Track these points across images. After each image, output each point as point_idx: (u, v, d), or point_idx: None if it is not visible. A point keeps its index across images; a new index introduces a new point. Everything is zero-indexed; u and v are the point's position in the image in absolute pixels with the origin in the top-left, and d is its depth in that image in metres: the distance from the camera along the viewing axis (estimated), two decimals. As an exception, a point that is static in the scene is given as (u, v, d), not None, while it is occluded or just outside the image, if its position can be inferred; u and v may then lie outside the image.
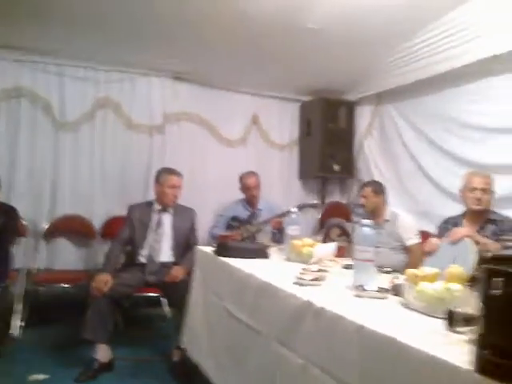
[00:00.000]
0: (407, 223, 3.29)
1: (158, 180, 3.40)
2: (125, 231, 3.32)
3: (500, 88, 3.23)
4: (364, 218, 3.27)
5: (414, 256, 3.15)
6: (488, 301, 0.92)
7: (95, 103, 4.13)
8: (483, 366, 0.93)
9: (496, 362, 0.91)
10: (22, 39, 3.65)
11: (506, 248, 0.97)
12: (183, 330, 2.79)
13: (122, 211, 3.75)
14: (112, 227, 3.90)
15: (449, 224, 2.75)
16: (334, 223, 4.79)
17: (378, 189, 3.42)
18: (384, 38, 3.64)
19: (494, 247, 2.26)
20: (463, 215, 2.73)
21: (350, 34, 3.51)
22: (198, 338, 2.61)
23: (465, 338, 1.17)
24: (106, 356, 2.90)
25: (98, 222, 4.09)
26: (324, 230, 4.73)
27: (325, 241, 4.19)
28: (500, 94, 3.23)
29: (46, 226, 3.90)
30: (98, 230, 4.06)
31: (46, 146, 3.99)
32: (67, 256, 4.03)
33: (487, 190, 2.60)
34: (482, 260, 0.91)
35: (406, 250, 3.25)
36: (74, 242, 4.07)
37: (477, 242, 2.30)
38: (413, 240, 3.22)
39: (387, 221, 3.33)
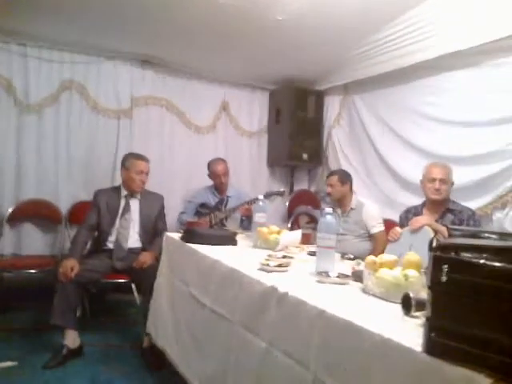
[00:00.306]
0: (372, 212, 3.39)
1: (124, 165, 3.38)
2: (91, 217, 3.29)
3: (461, 82, 3.35)
4: (330, 206, 3.40)
5: (378, 243, 3.25)
6: (434, 286, 0.99)
7: (60, 85, 4.03)
8: (431, 347, 1.00)
9: (442, 343, 0.98)
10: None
11: (452, 236, 1.04)
12: (149, 316, 2.82)
13: (88, 196, 3.72)
14: (78, 212, 3.86)
15: (410, 213, 2.86)
16: (302, 211, 4.89)
17: (344, 178, 3.48)
18: (352, 31, 3.69)
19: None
20: (423, 205, 2.84)
21: (320, 26, 3.54)
22: (163, 324, 2.64)
23: (419, 322, 1.24)
24: (74, 342, 2.90)
25: (64, 207, 4.03)
26: (292, 218, 4.83)
27: (293, 228, 4.29)
28: (461, 88, 3.35)
29: (10, 210, 3.83)
30: (64, 215, 4.00)
31: (9, 127, 3.87)
32: (33, 241, 3.96)
33: (446, 181, 2.70)
34: (430, 248, 0.97)
35: (371, 237, 3.36)
36: (39, 227, 4.00)
37: (435, 231, 2.41)
38: (377, 228, 3.32)
39: (353, 209, 3.42)
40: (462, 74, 3.34)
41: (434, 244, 1.00)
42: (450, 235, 1.04)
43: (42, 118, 3.99)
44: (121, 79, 4.28)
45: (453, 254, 0.98)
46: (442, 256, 0.99)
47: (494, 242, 1.02)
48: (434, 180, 2.71)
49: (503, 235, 1.06)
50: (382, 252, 2.93)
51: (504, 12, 2.82)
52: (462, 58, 3.24)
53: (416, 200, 3.08)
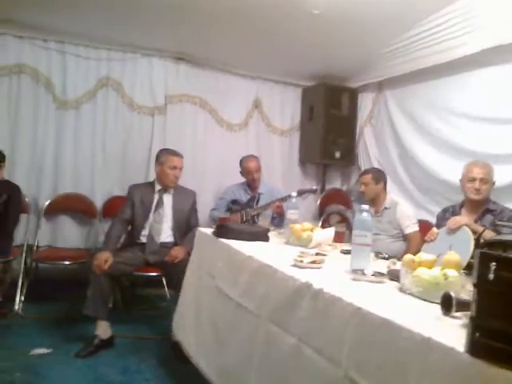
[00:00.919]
0: (406, 211, 3.33)
1: (158, 160, 3.42)
2: (125, 211, 3.34)
3: (497, 78, 3.26)
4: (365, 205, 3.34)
5: (412, 244, 3.18)
6: (480, 285, 0.95)
7: (97, 82, 4.12)
8: (474, 347, 0.96)
9: (487, 344, 0.94)
10: (24, 15, 3.62)
11: (500, 234, 1.00)
12: (176, 310, 2.84)
13: (123, 191, 3.79)
14: (113, 207, 3.93)
15: (447, 212, 2.78)
16: (333, 210, 4.84)
17: (378, 176, 3.42)
18: (386, 27, 3.64)
19: (489, 236, 2.31)
20: (462, 204, 2.76)
21: (353, 21, 3.50)
22: (185, 318, 2.67)
23: (459, 322, 1.20)
24: (106, 332, 2.95)
25: (99, 201, 4.11)
26: (324, 216, 4.79)
27: (324, 227, 4.24)
28: (497, 84, 3.26)
29: (47, 203, 3.92)
30: (99, 209, 4.09)
31: (47, 123, 3.98)
32: (68, 234, 4.06)
33: (486, 180, 2.62)
34: (477, 245, 0.93)
35: (405, 237, 3.29)
36: (75, 220, 4.10)
37: (474, 231, 2.33)
38: (411, 228, 3.26)
39: (387, 208, 3.36)
40: (498, 69, 3.25)
41: (481, 241, 0.96)
42: (498, 232, 1.00)
43: (79, 114, 4.08)
44: (155, 76, 4.33)
45: (501, 251, 0.94)
46: (489, 253, 0.95)
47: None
48: (474, 180, 2.63)
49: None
50: (416, 252, 2.89)
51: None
52: (498, 54, 3.14)
53: (449, 199, 3.00)
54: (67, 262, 3.60)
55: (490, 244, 0.96)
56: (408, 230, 3.27)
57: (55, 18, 3.67)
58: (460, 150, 3.51)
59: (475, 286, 0.97)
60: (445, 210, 2.85)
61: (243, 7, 3.37)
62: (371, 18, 3.45)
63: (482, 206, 2.64)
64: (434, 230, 2.64)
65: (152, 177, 3.64)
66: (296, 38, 3.87)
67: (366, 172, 3.54)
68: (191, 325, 2.55)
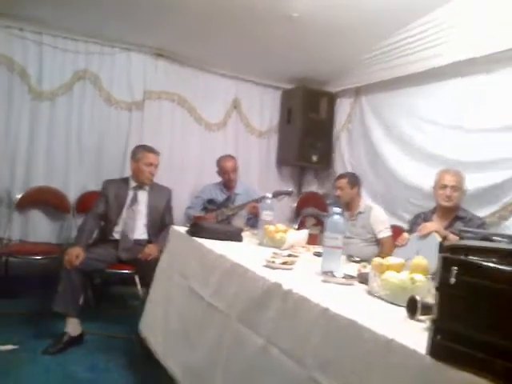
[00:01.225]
0: (380, 216, 3.36)
1: (134, 157, 3.39)
2: (99, 206, 3.30)
3: (470, 88, 3.34)
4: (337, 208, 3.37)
5: (384, 248, 3.22)
6: (442, 288, 0.98)
7: (74, 75, 4.05)
8: (436, 349, 0.99)
9: (448, 347, 0.97)
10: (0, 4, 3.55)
11: (463, 238, 1.02)
12: (144, 308, 2.82)
13: (97, 186, 3.74)
14: (87, 202, 3.87)
15: (419, 218, 2.84)
16: (309, 212, 4.86)
17: (354, 181, 3.46)
18: (366, 33, 3.69)
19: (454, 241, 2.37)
20: (433, 211, 2.82)
21: (333, 26, 3.55)
22: (153, 316, 2.66)
23: (424, 325, 1.23)
24: (76, 330, 2.91)
25: (72, 196, 4.05)
26: (300, 219, 4.81)
27: (300, 229, 4.27)
28: (469, 95, 3.34)
29: (19, 196, 3.84)
30: (72, 204, 4.02)
31: (21, 114, 3.88)
32: (40, 228, 3.98)
33: (457, 188, 2.69)
34: (440, 249, 0.96)
35: (378, 242, 3.34)
36: (47, 215, 4.01)
37: (443, 237, 2.39)
38: (384, 233, 3.30)
39: (361, 213, 3.39)
40: (470, 80, 3.33)
41: (444, 245, 0.99)
42: (461, 238, 1.03)
43: (54, 106, 4.00)
44: (134, 71, 4.29)
45: (462, 255, 0.96)
46: (451, 257, 0.98)
47: (504, 245, 1.00)
48: (445, 187, 2.70)
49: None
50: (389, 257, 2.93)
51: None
52: (473, 65, 3.22)
53: (419, 205, 3.06)
54: (38, 257, 3.54)
55: (453, 249, 0.98)
56: (381, 235, 3.31)
57: (33, 8, 3.59)
58: (432, 158, 3.57)
59: (437, 289, 0.99)
60: (417, 216, 2.91)
61: (224, 8, 3.38)
62: (350, 23, 3.50)
63: (452, 213, 2.71)
64: (405, 235, 2.69)
65: (127, 173, 3.61)
66: (276, 40, 3.89)
67: (341, 176, 3.56)
68: (160, 323, 2.54)
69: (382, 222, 3.34)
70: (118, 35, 4.05)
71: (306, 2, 3.25)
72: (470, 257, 0.96)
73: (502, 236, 1.06)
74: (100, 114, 4.18)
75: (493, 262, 0.93)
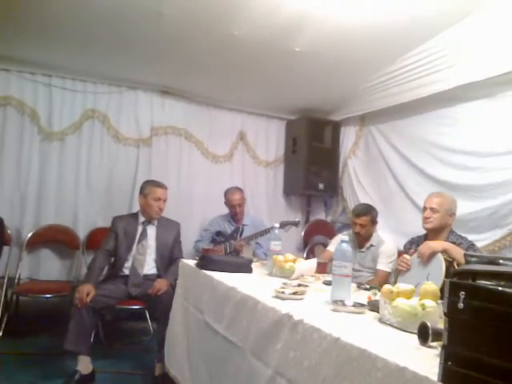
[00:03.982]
0: (387, 249, 3.27)
1: (142, 192, 3.43)
2: (109, 242, 3.32)
3: (476, 113, 3.37)
4: (349, 240, 3.32)
5: (376, 279, 3.15)
6: (451, 314, 0.98)
7: (83, 114, 4.16)
8: (447, 376, 0.98)
9: (458, 372, 0.96)
10: (12, 49, 3.67)
11: (469, 263, 1.03)
12: (165, 344, 2.80)
13: (107, 223, 3.77)
14: (96, 238, 3.90)
15: (413, 244, 2.79)
16: (318, 241, 4.87)
17: (375, 216, 3.34)
18: (368, 62, 3.76)
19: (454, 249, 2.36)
20: (426, 235, 2.78)
21: (334, 58, 3.62)
22: (177, 352, 2.63)
23: (436, 352, 1.22)
24: (87, 368, 2.88)
25: (82, 233, 4.09)
26: (308, 247, 4.81)
27: (309, 257, 4.26)
28: (475, 119, 3.36)
29: (29, 235, 3.88)
30: (82, 241, 4.05)
31: (32, 154, 3.98)
32: (50, 266, 4.01)
33: (436, 210, 2.63)
34: (447, 274, 0.96)
35: (375, 271, 3.26)
36: (57, 253, 4.05)
37: (444, 250, 2.35)
38: (384, 266, 3.22)
39: (372, 246, 3.31)
40: (476, 104, 3.36)
41: (452, 270, 0.99)
42: (467, 262, 1.03)
43: (64, 145, 4.10)
44: (141, 109, 4.39)
45: (470, 280, 0.97)
46: (459, 282, 0.98)
47: (511, 268, 1.00)
48: (425, 209, 2.68)
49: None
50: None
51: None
52: (477, 89, 3.26)
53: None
54: (48, 295, 3.53)
55: (460, 273, 0.99)
56: (379, 266, 3.23)
57: (43, 53, 3.73)
58: (439, 181, 3.58)
59: (446, 315, 0.99)
60: (411, 242, 2.86)
61: (228, 46, 3.47)
62: (351, 54, 3.56)
63: (441, 237, 2.64)
64: (406, 256, 2.63)
65: (136, 208, 3.65)
66: (279, 73, 3.97)
67: (363, 213, 3.31)
68: (184, 359, 2.52)
69: (387, 255, 3.25)
70: (125, 75, 4.17)
71: (308, 38, 3.33)
72: (478, 281, 0.97)
73: (509, 259, 1.06)
74: (108, 151, 4.26)
75: (500, 286, 0.93)
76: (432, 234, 2.68)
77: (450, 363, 0.97)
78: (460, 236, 2.68)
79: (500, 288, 0.93)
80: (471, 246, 2.61)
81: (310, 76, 3.99)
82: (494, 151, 3.19)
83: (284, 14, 3.02)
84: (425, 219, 2.67)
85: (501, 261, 1.06)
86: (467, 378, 0.94)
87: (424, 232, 2.78)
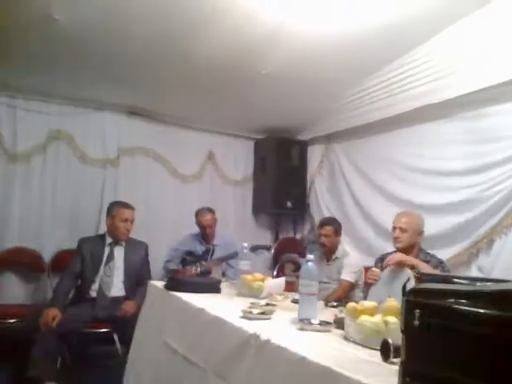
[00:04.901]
0: (351, 260, 3.44)
1: (109, 213, 3.41)
2: (75, 265, 3.28)
3: (437, 133, 3.50)
4: (316, 254, 3.42)
5: (339, 289, 3.32)
6: (407, 331, 1.02)
7: (48, 135, 4.11)
8: (405, 391, 1.02)
9: (416, 388, 1.00)
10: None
11: (423, 281, 1.08)
12: (126, 366, 2.76)
13: (73, 245, 3.69)
14: (62, 261, 3.82)
15: (383, 261, 2.87)
16: (287, 259, 4.89)
17: (338, 227, 3.54)
18: (334, 84, 3.86)
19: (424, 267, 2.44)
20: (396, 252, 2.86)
21: (301, 80, 3.71)
22: (132, 375, 2.61)
23: (397, 368, 1.26)
24: (52, 395, 2.82)
25: (47, 256, 4.00)
26: (278, 265, 4.82)
27: (278, 276, 4.28)
28: (437, 139, 3.49)
29: (-8, 258, 3.78)
30: (47, 264, 3.97)
31: (-5, 176, 3.91)
32: (14, 290, 3.90)
33: (405, 229, 2.71)
34: (403, 293, 1.01)
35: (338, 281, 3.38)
36: (22, 276, 3.95)
37: (411, 266, 2.43)
38: (347, 276, 3.36)
39: (338, 258, 3.46)
40: (436, 125, 3.50)
41: (407, 289, 1.04)
42: (422, 280, 1.08)
43: (29, 167, 4.03)
44: (108, 130, 4.37)
45: (424, 298, 1.01)
46: (414, 300, 1.03)
47: (463, 286, 1.06)
48: (394, 228, 2.76)
49: (472, 279, 1.11)
50: (338, 298, 3.03)
51: (480, 65, 2.98)
52: (436, 110, 3.39)
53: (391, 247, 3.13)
54: (12, 320, 3.44)
55: (415, 291, 1.04)
56: (343, 276, 3.37)
57: (6, 75, 3.68)
58: (403, 201, 3.66)
59: (403, 332, 1.04)
60: (381, 258, 2.94)
61: (194, 68, 3.51)
62: (318, 76, 3.66)
63: (412, 256, 2.69)
64: (375, 269, 2.71)
65: (103, 230, 3.61)
66: (246, 95, 4.04)
67: (327, 223, 3.59)
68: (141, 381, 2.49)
69: (350, 266, 3.41)
70: (91, 95, 4.15)
71: (274, 60, 3.41)
72: (432, 299, 1.01)
73: (462, 278, 1.11)
74: (74, 172, 4.22)
75: (453, 304, 0.98)
76: (402, 252, 2.74)
77: (407, 379, 1.01)
78: (429, 254, 2.77)
79: (453, 305, 0.98)
80: (440, 263, 2.70)
81: (278, 97, 4.08)
82: (453, 171, 3.32)
83: (249, 36, 3.09)
84: (395, 239, 2.75)
85: (454, 279, 1.11)
86: (424, 392, 0.98)
87: (393, 250, 2.86)
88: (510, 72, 2.81)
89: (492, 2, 2.80)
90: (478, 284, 1.10)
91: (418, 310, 1.00)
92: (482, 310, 0.92)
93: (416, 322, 1.00)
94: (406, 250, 2.72)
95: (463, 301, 0.97)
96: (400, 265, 2.51)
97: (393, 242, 2.80)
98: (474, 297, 0.97)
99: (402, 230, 2.72)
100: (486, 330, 0.89)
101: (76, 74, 3.65)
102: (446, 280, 1.10)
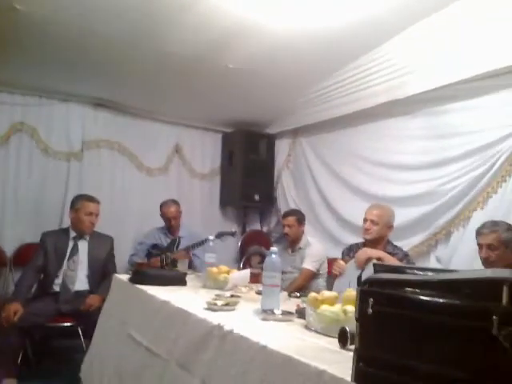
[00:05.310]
0: (313, 250, 3.52)
1: (73, 206, 3.37)
2: (38, 259, 3.23)
3: (398, 128, 3.60)
4: (282, 245, 3.48)
5: (300, 277, 3.40)
6: (361, 318, 1.06)
7: (10, 127, 4.01)
8: (358, 376, 1.06)
9: (369, 372, 1.04)
10: None
11: (377, 272, 1.13)
12: (85, 357, 2.75)
13: (35, 238, 3.63)
14: (25, 255, 3.75)
15: (352, 251, 2.95)
16: (254, 251, 4.92)
17: (301, 218, 3.61)
18: (301, 78, 3.89)
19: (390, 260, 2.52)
20: (363, 244, 2.94)
21: (268, 74, 3.72)
22: (91, 366, 2.61)
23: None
24: (12, 391, 2.78)
25: (9, 249, 3.92)
26: (245, 258, 4.86)
27: (245, 268, 4.32)
28: (398, 134, 3.59)
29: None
30: (9, 258, 3.89)
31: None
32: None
33: (376, 222, 2.80)
34: (358, 283, 1.05)
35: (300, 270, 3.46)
36: (-19, 270, 3.86)
37: (378, 258, 2.51)
38: (308, 265, 3.45)
39: (301, 248, 3.54)
40: (399, 120, 3.60)
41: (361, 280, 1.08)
42: (375, 271, 1.13)
43: (-11, 159, 3.92)
44: (73, 122, 4.30)
45: (377, 288, 1.06)
46: (367, 290, 1.07)
47: (415, 276, 1.11)
48: (365, 220, 2.84)
49: (423, 269, 1.16)
50: (299, 287, 3.12)
51: (441, 64, 3.07)
52: (401, 106, 3.48)
53: (356, 239, 3.22)
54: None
55: (370, 282, 1.08)
56: (304, 265, 3.45)
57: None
58: (368, 195, 3.76)
59: (357, 319, 1.08)
60: (349, 248, 3.03)
61: (161, 58, 3.48)
62: (285, 71, 3.68)
63: (379, 247, 2.79)
64: (340, 262, 2.79)
65: (66, 224, 3.56)
66: (214, 88, 4.03)
67: (289, 214, 3.67)
68: (96, 374, 2.48)
69: (311, 255, 3.49)
70: (56, 86, 4.07)
71: (241, 55, 3.41)
72: (384, 289, 1.06)
73: (414, 268, 1.17)
74: (37, 165, 4.14)
75: (404, 292, 1.03)
76: (370, 244, 2.82)
77: (361, 364, 1.05)
78: (396, 246, 2.87)
79: (404, 294, 1.02)
80: (405, 256, 2.79)
81: (245, 91, 4.09)
82: (414, 165, 3.42)
83: (215, 29, 3.08)
84: (365, 230, 2.82)
85: (407, 269, 1.16)
86: (376, 376, 1.02)
87: (362, 240, 2.94)
88: (469, 70, 2.91)
89: (455, 2, 2.88)
90: (429, 274, 1.16)
91: (371, 299, 1.05)
92: (431, 299, 0.96)
93: (369, 310, 1.04)
94: (374, 242, 2.80)
95: (414, 290, 1.02)
96: (368, 261, 2.56)
97: (362, 233, 2.87)
98: (425, 286, 1.02)
99: (373, 223, 2.79)
100: (435, 317, 0.94)
101: (41, 64, 3.57)
102: (398, 270, 1.14)
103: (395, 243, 2.94)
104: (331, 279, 3.08)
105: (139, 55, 3.40)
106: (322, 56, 3.47)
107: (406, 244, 3.19)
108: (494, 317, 0.81)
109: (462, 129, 3.13)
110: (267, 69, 3.64)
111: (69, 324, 3.16)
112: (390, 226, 2.86)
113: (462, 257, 3.05)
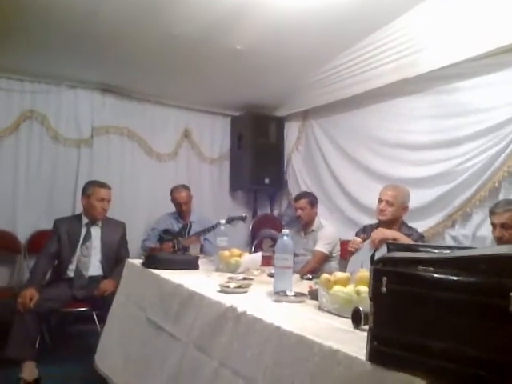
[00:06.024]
0: (325, 233, 3.50)
1: (85, 192, 3.38)
2: (51, 245, 3.26)
3: (412, 107, 3.54)
4: (294, 229, 3.47)
5: (313, 260, 3.39)
6: (375, 298, 1.06)
7: (20, 115, 4.03)
8: (373, 355, 1.06)
9: (383, 351, 1.04)
10: None
11: (390, 251, 1.12)
12: (99, 342, 2.78)
13: (49, 225, 3.67)
14: (39, 242, 3.78)
15: (365, 231, 2.94)
16: (265, 234, 4.93)
17: (313, 200, 3.60)
18: (310, 58, 3.85)
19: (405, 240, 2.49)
20: (378, 225, 2.92)
21: (276, 55, 3.69)
22: (112, 351, 2.62)
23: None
24: (32, 374, 2.82)
25: (23, 237, 3.97)
26: (256, 241, 4.88)
27: (257, 251, 4.33)
28: (412, 113, 3.53)
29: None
30: (23, 245, 3.93)
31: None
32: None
33: (391, 203, 2.75)
34: (371, 262, 1.04)
35: (313, 252, 3.45)
36: (-3, 257, 3.92)
37: (393, 239, 2.48)
38: (320, 247, 3.43)
39: (313, 231, 3.52)
40: (411, 99, 3.53)
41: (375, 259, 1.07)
42: (389, 250, 1.12)
43: (1, 147, 3.95)
44: (81, 108, 4.30)
45: (391, 266, 1.05)
46: (381, 269, 1.06)
47: (429, 254, 1.10)
48: (380, 201, 2.79)
49: (438, 247, 1.15)
50: (312, 269, 3.09)
51: (453, 41, 3.02)
52: (413, 85, 3.42)
53: (370, 221, 3.20)
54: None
55: (383, 261, 1.07)
56: (317, 247, 3.43)
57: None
58: (380, 176, 3.72)
59: (371, 299, 1.07)
60: (364, 229, 3.01)
61: (167, 44, 3.47)
62: (293, 51, 3.64)
63: (394, 229, 2.74)
64: (356, 239, 2.77)
65: (79, 210, 3.58)
66: (222, 71, 4.01)
67: (301, 197, 3.65)
68: (118, 357, 2.50)
69: (325, 237, 3.47)
70: (64, 73, 4.06)
71: (249, 35, 3.37)
72: (398, 267, 1.05)
73: (428, 246, 1.16)
74: (48, 152, 4.15)
75: (417, 271, 1.02)
76: (385, 225, 2.77)
77: (375, 343, 1.05)
78: (411, 228, 2.82)
79: (418, 272, 1.02)
80: (421, 237, 2.76)
81: (254, 73, 4.05)
82: (429, 144, 3.37)
83: (222, 9, 3.03)
84: (380, 211, 2.77)
85: (420, 248, 1.15)
86: (390, 355, 1.02)
87: (374, 222, 2.91)
88: (482, 47, 2.84)
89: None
90: (444, 252, 1.15)
91: (385, 278, 1.04)
92: (446, 276, 0.95)
93: (383, 289, 1.03)
94: (388, 223, 2.76)
95: (429, 267, 1.01)
96: (383, 241, 2.53)
97: (376, 214, 2.83)
98: (439, 263, 1.00)
99: (388, 204, 2.75)
100: (450, 295, 0.93)
101: (46, 49, 3.57)
102: (411, 248, 1.14)
103: (410, 225, 2.90)
104: (344, 261, 3.07)
105: (146, 38, 3.38)
106: (331, 34, 3.43)
107: (421, 225, 3.11)
108: (511, 294, 0.80)
109: (477, 106, 3.07)
110: (275, 49, 3.61)
111: (84, 309, 3.21)
112: (405, 207, 2.81)
113: (478, 237, 3.02)
